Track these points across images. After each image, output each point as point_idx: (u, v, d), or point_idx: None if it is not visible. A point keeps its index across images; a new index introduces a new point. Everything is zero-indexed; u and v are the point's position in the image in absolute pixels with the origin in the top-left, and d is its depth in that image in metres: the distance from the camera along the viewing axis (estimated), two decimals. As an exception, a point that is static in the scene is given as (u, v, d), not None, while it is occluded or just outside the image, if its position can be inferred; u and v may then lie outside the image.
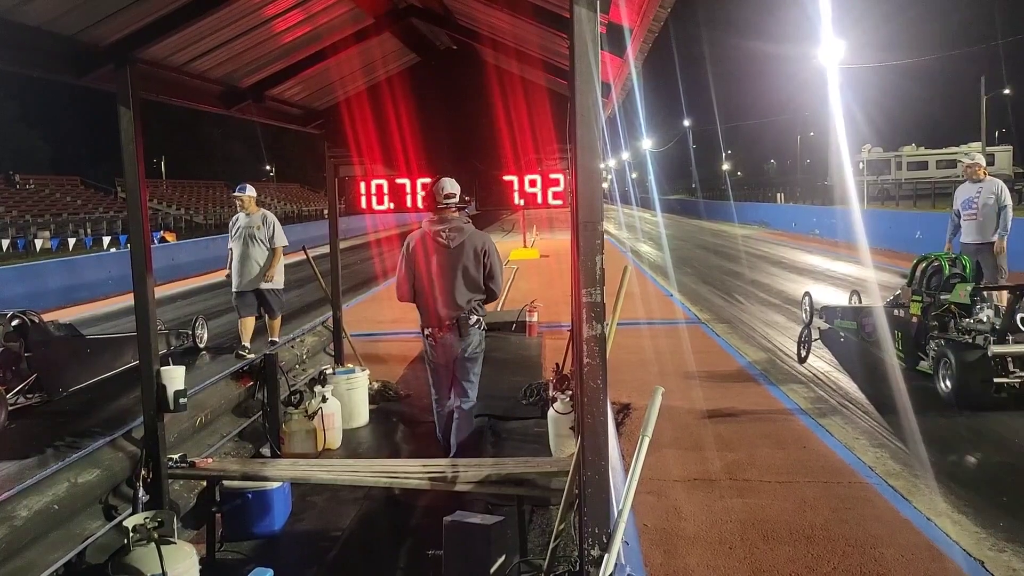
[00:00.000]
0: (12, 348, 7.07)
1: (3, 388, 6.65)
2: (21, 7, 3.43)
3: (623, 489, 2.81)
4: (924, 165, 45.05)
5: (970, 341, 6.60)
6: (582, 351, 2.64)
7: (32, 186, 46.31)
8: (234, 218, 9.01)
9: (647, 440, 2.81)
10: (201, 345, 9.65)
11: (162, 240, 30.15)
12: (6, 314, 7.20)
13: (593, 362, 2.62)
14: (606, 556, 2.57)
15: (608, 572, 2.52)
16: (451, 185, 5.09)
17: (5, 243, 27.67)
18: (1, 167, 44.79)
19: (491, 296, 5.24)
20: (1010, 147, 46.35)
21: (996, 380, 6.32)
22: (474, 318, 5.12)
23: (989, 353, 6.31)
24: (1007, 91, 48.05)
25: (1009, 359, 6.39)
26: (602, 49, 4.50)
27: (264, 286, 8.63)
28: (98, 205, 46.77)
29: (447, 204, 5.06)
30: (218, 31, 4.54)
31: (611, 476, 2.93)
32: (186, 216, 45.45)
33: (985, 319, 6.65)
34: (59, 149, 57.31)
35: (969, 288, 6.90)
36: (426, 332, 5.18)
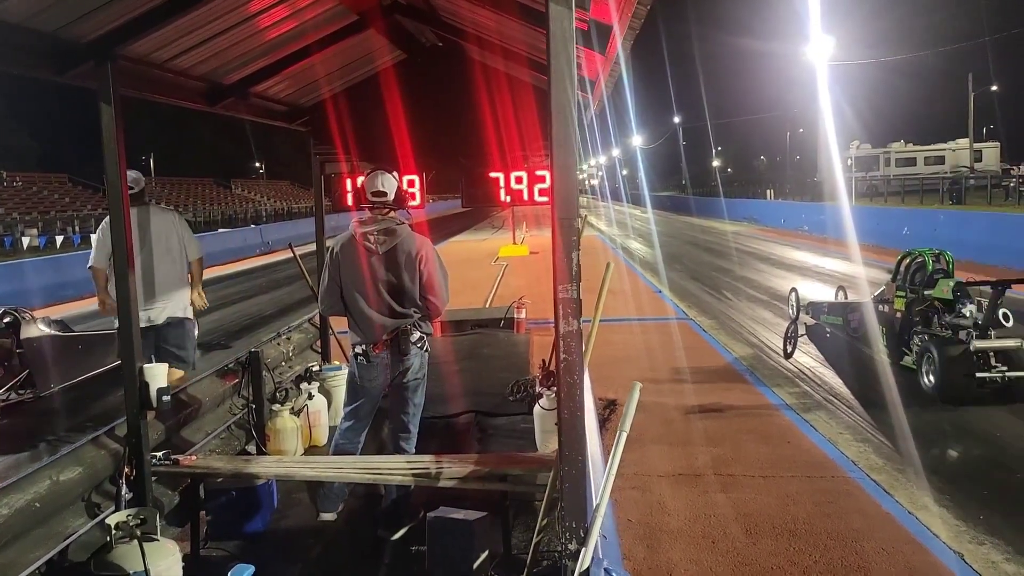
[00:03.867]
0: (3, 344, 7.07)
1: (-5, 385, 6.64)
2: (-1, 4, 3.41)
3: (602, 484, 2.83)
4: (912, 161, 45.43)
5: (953, 336, 6.66)
6: (559, 347, 2.65)
7: (19, 183, 46.06)
8: None
9: (624, 435, 2.83)
10: (189, 342, 9.58)
11: (151, 237, 29.95)
12: None
13: (571, 358, 2.63)
14: (583, 550, 2.59)
15: (585, 566, 2.54)
16: (384, 181, 4.34)
17: (-8, 241, 27.56)
18: (-12, 164, 44.60)
19: (433, 311, 4.49)
20: (997, 143, 46.77)
21: (978, 375, 6.38)
22: (416, 335, 4.42)
23: (971, 348, 6.37)
24: (994, 88, 48.42)
25: (991, 354, 6.46)
26: (584, 46, 4.53)
27: (177, 315, 6.04)
28: (86, 203, 46.59)
29: (375, 203, 4.35)
30: (202, 27, 4.51)
31: (592, 472, 2.94)
32: (175, 213, 45.15)
33: (968, 314, 6.71)
34: (47, 146, 56.98)
35: (952, 284, 6.96)
36: (358, 351, 4.46)
